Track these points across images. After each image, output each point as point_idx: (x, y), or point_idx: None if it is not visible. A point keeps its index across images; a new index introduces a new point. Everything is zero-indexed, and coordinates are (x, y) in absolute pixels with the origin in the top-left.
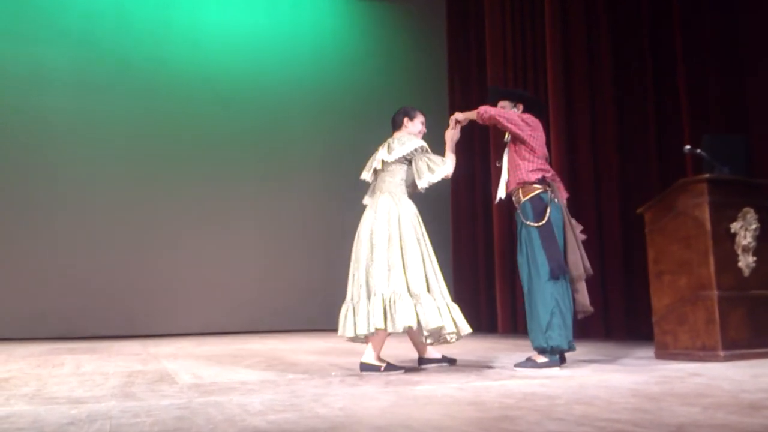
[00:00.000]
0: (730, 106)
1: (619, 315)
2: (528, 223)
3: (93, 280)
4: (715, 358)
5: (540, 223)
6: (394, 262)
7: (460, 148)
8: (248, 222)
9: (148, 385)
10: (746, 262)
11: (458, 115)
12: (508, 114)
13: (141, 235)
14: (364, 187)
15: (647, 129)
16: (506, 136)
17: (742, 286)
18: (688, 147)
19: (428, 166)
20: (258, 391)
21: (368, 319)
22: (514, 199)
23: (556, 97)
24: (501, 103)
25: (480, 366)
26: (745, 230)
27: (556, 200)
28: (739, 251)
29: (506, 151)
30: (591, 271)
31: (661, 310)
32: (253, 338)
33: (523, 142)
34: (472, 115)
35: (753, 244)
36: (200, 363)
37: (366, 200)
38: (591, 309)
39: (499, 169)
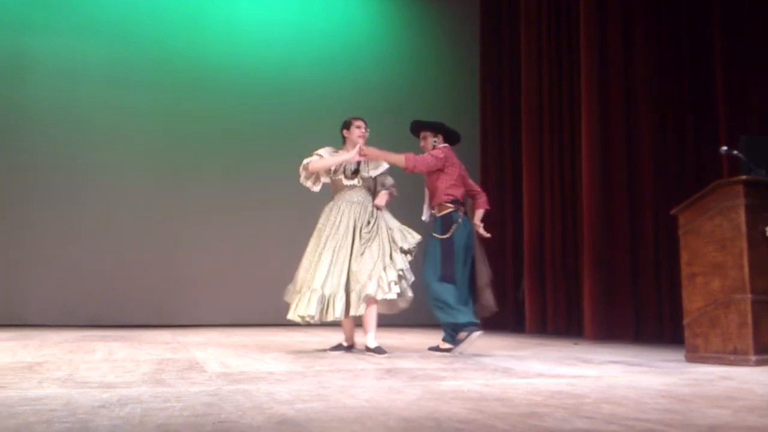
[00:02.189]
0: None
1: (650, 317)
2: (435, 235)
3: (125, 271)
4: (746, 363)
5: (444, 237)
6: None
7: (493, 150)
8: (279, 215)
9: (178, 372)
10: None
11: (368, 151)
12: (428, 161)
13: (172, 228)
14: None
15: (684, 130)
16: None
17: None
18: (724, 148)
19: None
20: (285, 381)
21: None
22: (433, 213)
23: (590, 98)
24: (423, 133)
25: (506, 364)
26: None
27: (461, 220)
28: None
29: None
30: (491, 278)
31: (693, 312)
32: (281, 331)
33: (441, 171)
34: (397, 159)
35: None
36: (228, 353)
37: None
38: (495, 308)
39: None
